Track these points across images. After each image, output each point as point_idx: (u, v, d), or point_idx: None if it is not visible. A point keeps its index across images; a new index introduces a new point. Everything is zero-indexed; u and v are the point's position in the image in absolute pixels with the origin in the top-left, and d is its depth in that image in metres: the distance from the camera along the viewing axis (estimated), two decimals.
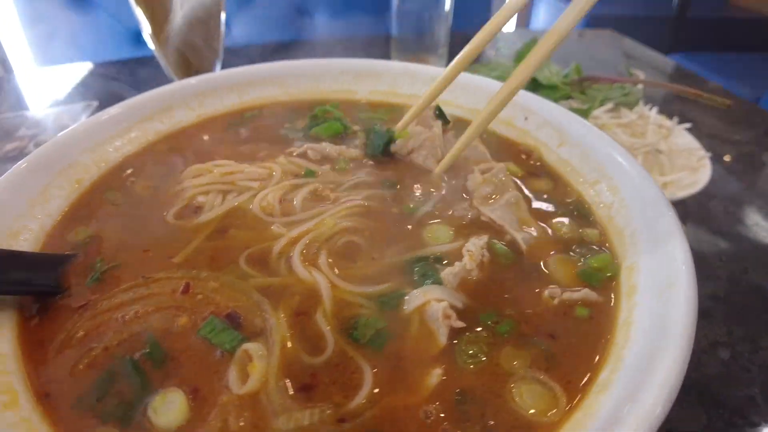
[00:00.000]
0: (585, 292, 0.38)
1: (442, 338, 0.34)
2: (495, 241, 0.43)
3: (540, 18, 3.42)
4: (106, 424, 0.30)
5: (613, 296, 0.37)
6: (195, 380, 0.32)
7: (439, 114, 0.54)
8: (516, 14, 0.53)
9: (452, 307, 0.36)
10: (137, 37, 1.82)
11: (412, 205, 0.47)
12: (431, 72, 0.63)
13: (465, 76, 0.60)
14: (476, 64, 0.99)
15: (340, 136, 0.58)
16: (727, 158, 0.93)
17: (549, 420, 0.29)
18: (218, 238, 0.43)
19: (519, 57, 0.94)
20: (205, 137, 0.57)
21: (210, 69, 0.91)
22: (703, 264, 0.69)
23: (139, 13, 0.84)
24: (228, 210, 0.46)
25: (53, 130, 1.05)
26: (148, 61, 1.36)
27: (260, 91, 0.61)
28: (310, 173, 0.51)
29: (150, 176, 0.51)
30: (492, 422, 0.30)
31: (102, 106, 1.11)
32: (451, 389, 0.32)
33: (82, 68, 1.32)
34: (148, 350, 0.34)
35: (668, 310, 0.30)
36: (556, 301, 0.37)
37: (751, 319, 0.60)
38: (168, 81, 0.92)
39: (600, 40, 1.56)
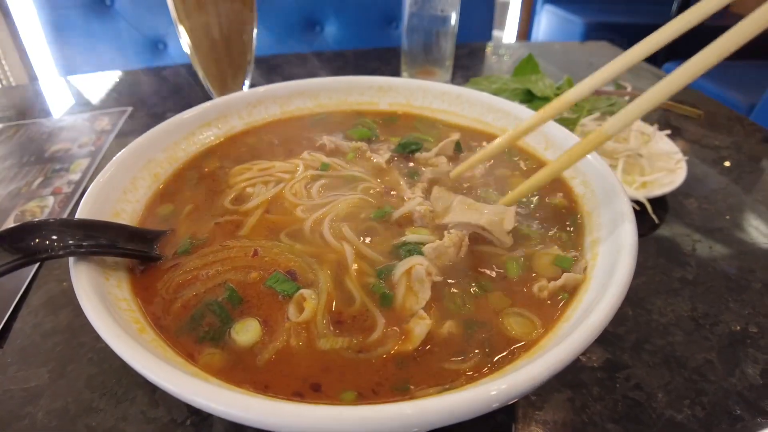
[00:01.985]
0: (565, 277, 0.46)
1: (427, 292, 0.45)
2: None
3: (540, 30, 3.51)
4: (202, 343, 0.42)
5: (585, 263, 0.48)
6: (264, 314, 0.44)
7: (457, 146, 0.68)
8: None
9: (430, 273, 0.47)
10: (155, 46, 1.94)
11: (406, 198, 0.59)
12: (440, 88, 0.75)
13: (468, 91, 0.72)
14: (478, 77, 1.10)
15: (369, 140, 0.71)
16: (704, 161, 1.03)
17: (531, 338, 0.42)
18: (266, 218, 0.56)
19: (517, 71, 1.05)
20: (253, 140, 0.70)
21: (242, 80, 1.03)
22: (676, 252, 0.79)
23: (181, 30, 0.96)
24: (270, 197, 0.59)
25: (94, 133, 1.17)
26: (170, 69, 1.48)
27: (299, 103, 0.74)
28: (325, 167, 0.64)
29: (211, 172, 0.64)
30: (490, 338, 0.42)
31: (135, 111, 1.23)
32: (447, 324, 0.43)
33: (110, 77, 1.44)
34: (228, 294, 0.45)
35: (615, 267, 0.41)
36: (544, 292, 0.47)
37: (713, 299, 0.70)
38: (200, 90, 1.03)
39: (596, 51, 1.66)
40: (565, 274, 0.47)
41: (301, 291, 0.45)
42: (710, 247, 0.80)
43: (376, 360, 0.40)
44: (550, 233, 0.54)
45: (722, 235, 0.83)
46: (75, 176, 1.00)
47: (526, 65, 1.01)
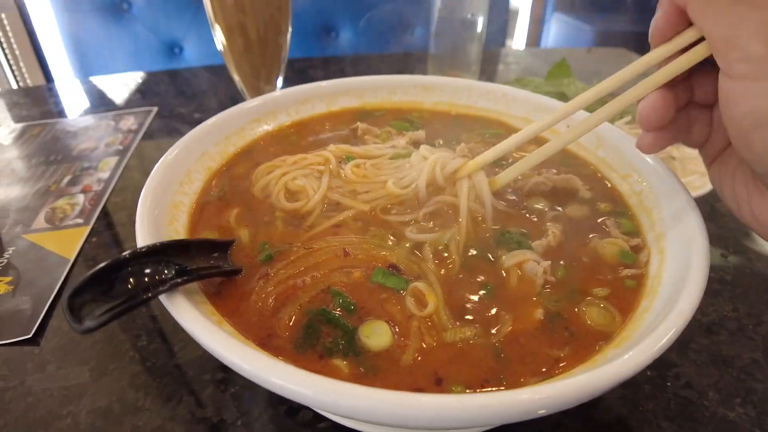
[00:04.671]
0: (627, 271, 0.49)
1: (539, 283, 0.47)
2: None
3: (550, 39, 3.53)
4: (331, 357, 0.39)
5: (647, 256, 0.49)
6: (385, 313, 0.43)
7: None
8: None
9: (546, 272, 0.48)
10: (171, 50, 1.96)
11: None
12: (485, 87, 0.75)
13: (513, 90, 0.73)
14: (509, 80, 1.11)
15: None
16: None
17: (610, 330, 0.43)
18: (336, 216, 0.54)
19: (550, 75, 1.06)
20: (301, 135, 0.70)
21: (275, 81, 1.03)
22: (712, 254, 0.79)
23: (217, 30, 0.96)
24: (325, 192, 0.57)
25: (121, 133, 1.17)
26: (192, 71, 1.50)
27: (344, 101, 0.75)
28: (350, 159, 0.61)
29: (262, 168, 0.63)
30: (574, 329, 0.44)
31: (160, 111, 1.24)
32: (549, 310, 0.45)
33: (132, 78, 1.46)
34: (340, 300, 0.43)
35: (689, 258, 0.41)
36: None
37: (754, 300, 0.70)
38: (225, 91, 1.03)
39: (612, 57, 1.68)
40: (626, 269, 0.48)
41: (415, 284, 0.44)
42: (745, 250, 0.80)
43: (496, 342, 0.41)
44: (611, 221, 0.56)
45: (755, 237, 0.83)
46: (104, 174, 1.00)
47: (559, 69, 1.02)
